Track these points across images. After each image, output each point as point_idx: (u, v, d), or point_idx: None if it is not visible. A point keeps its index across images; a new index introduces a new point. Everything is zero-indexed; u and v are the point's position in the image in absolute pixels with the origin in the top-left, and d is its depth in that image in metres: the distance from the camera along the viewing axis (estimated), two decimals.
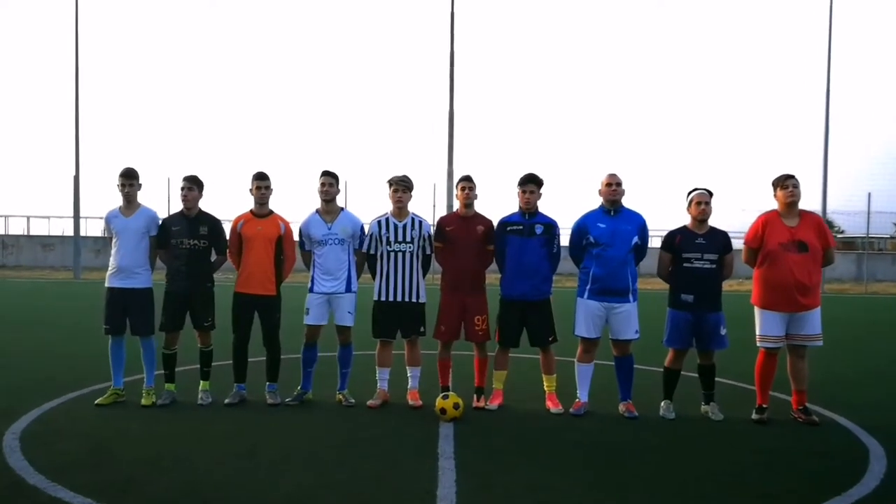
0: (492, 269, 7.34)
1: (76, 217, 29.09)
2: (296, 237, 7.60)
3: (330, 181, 7.39)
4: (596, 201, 7.28)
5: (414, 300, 7.33)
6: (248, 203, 7.49)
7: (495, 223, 7.50)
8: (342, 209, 7.53)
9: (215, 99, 50.30)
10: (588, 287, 7.15)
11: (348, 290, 7.42)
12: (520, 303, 7.21)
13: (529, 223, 7.22)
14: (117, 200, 7.40)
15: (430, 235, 7.45)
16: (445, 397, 6.88)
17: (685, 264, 7.06)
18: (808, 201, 27.61)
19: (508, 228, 7.26)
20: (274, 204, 7.56)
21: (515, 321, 7.26)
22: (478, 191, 7.48)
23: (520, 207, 7.30)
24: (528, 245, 7.18)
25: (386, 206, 7.47)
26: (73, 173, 28.82)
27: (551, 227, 7.26)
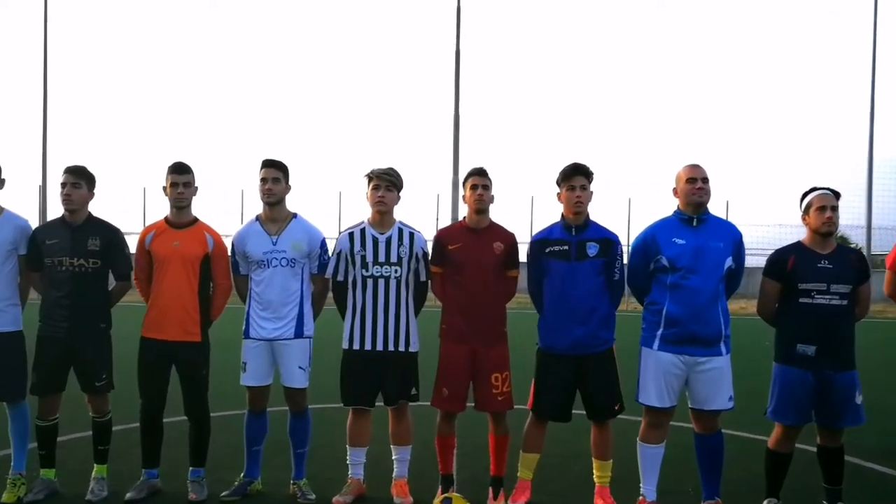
0: (519, 307, 4.99)
1: None
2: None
3: (274, 175, 5.09)
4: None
5: (402, 349, 5.01)
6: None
7: (519, 237, 5.20)
8: (293, 216, 5.23)
9: (204, 101, 47.89)
10: (659, 333, 4.83)
11: (299, 334, 5.11)
12: (569, 358, 4.90)
13: (578, 240, 4.92)
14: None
15: (425, 254, 5.14)
16: (447, 501, 4.57)
17: (803, 299, 4.75)
18: (851, 216, 25.27)
19: (548, 249, 4.96)
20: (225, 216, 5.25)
21: (563, 383, 4.95)
22: (494, 191, 5.16)
23: (563, 217, 4.99)
24: (577, 272, 4.88)
25: (363, 212, 5.18)
26: (40, 183, 26.79)
27: (611, 244, 4.96)
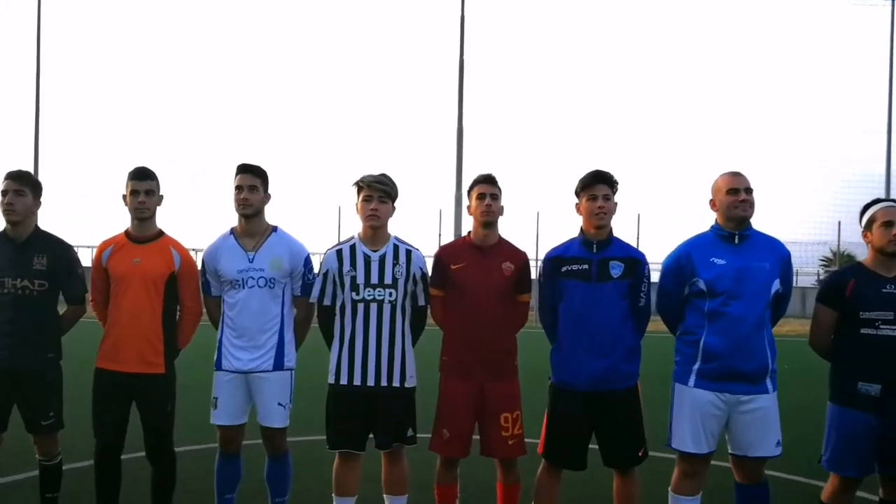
0: (531, 337, 4.31)
1: None
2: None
3: (251, 182, 4.43)
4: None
5: (396, 384, 4.32)
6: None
7: (530, 255, 4.54)
8: (273, 229, 4.56)
9: (203, 111, 47.26)
10: (696, 367, 4.15)
11: (279, 366, 4.44)
12: (586, 395, 4.21)
13: (600, 258, 4.24)
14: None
15: (424, 275, 4.47)
16: None
17: (865, 330, 4.07)
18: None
19: (564, 268, 4.28)
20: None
21: (579, 425, 4.26)
22: (503, 201, 4.50)
23: (582, 231, 4.33)
24: (598, 296, 4.20)
25: (355, 227, 4.52)
26: None
27: (637, 264, 4.28)
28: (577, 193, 4.30)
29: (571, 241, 4.38)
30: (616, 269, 4.22)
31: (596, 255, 4.24)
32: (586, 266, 4.23)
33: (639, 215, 23.40)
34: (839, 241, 24.66)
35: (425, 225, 25.27)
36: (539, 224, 23.99)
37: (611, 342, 4.18)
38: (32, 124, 26.20)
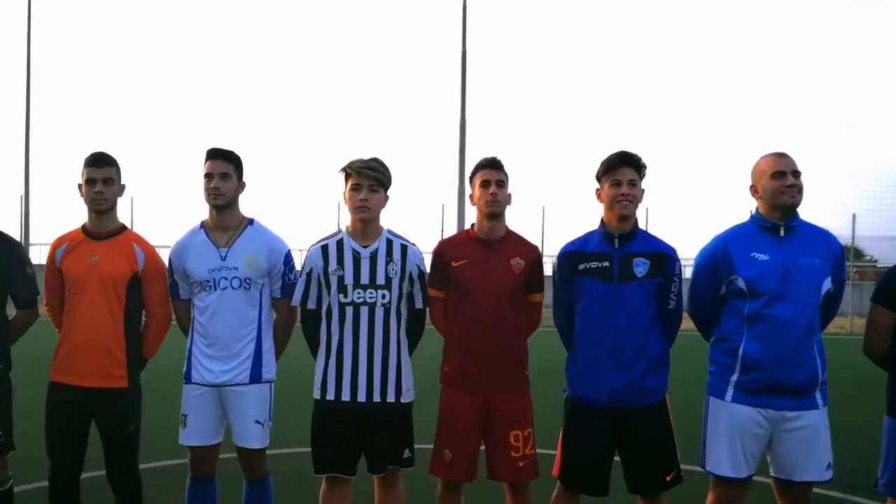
0: (543, 335, 3.78)
1: (24, 244, 25.64)
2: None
3: (222, 169, 3.89)
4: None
5: (391, 400, 3.78)
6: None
7: (543, 250, 4.01)
8: (248, 222, 4.02)
9: (201, 107, 46.56)
10: (734, 379, 3.61)
11: (256, 378, 3.91)
12: (608, 412, 3.67)
13: (623, 253, 3.70)
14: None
15: (422, 273, 3.93)
16: None
17: None
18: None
19: (583, 266, 3.74)
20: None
21: (599, 446, 3.72)
22: (510, 189, 3.96)
23: (603, 223, 3.79)
24: (621, 297, 3.66)
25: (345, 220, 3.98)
26: (22, 192, 25.53)
27: (666, 260, 3.74)
28: (599, 178, 3.76)
29: (591, 234, 3.83)
30: (641, 266, 3.68)
31: (618, 250, 3.70)
32: (607, 263, 3.69)
33: (646, 209, 22.74)
34: (853, 234, 23.76)
35: (427, 220, 24.55)
36: (545, 219, 23.38)
37: (635, 352, 3.65)
38: (23, 124, 25.76)
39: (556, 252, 3.95)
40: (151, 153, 33.65)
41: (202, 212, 4.03)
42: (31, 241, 25.88)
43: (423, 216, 24.39)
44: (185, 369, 3.95)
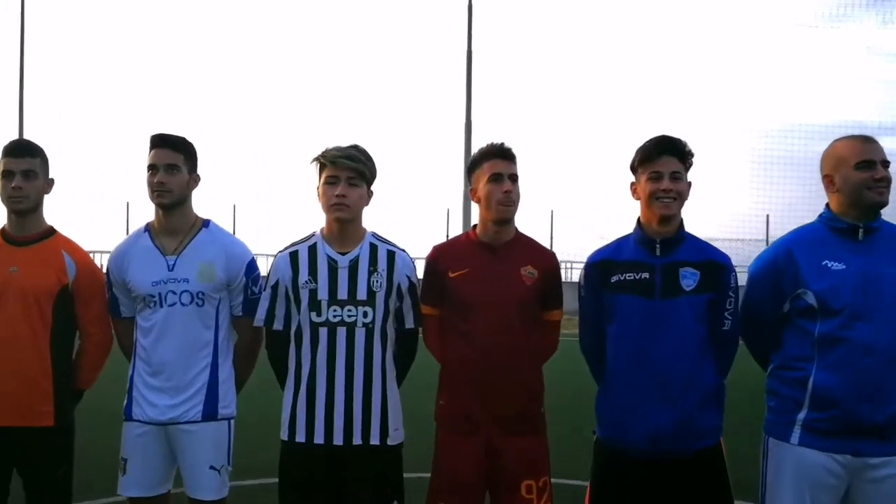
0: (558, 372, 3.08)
1: None
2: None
3: (170, 159, 3.19)
4: None
5: (375, 442, 3.07)
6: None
7: (560, 257, 3.30)
8: (203, 223, 3.33)
9: (198, 105, 45.71)
10: (801, 417, 2.90)
11: (211, 414, 3.21)
12: (648, 459, 2.97)
13: (667, 262, 3.00)
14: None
15: (413, 286, 3.22)
16: None
17: None
18: None
19: (615, 278, 3.04)
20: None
21: (638, 502, 3.00)
22: (522, 187, 3.25)
23: (641, 225, 3.09)
24: (664, 317, 2.96)
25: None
26: None
27: (719, 270, 3.04)
28: (634, 169, 3.06)
29: (625, 238, 3.14)
30: (689, 278, 2.97)
31: (660, 258, 2.99)
32: (647, 274, 2.98)
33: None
34: (767, 236, 22.50)
35: (430, 225, 23.76)
36: (553, 224, 22.52)
37: (683, 383, 2.94)
38: (16, 127, 25.20)
39: (566, 261, 3.26)
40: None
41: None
42: None
43: (427, 221, 23.62)
44: (125, 403, 3.25)
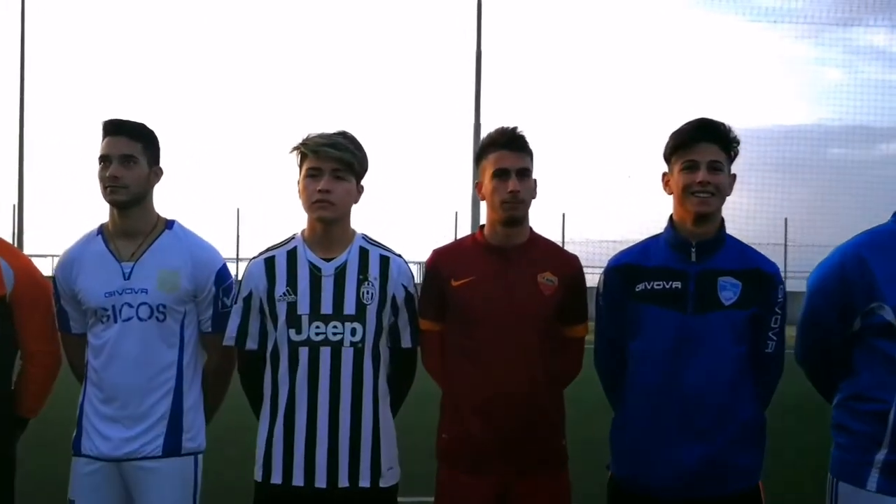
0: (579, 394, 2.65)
1: None
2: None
3: (125, 149, 2.71)
4: None
5: (364, 484, 2.59)
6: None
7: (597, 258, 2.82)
8: (166, 224, 2.86)
9: (202, 106, 45.50)
10: (880, 458, 2.40)
11: (173, 449, 2.74)
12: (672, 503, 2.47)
13: (703, 269, 2.55)
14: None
15: (410, 297, 2.75)
16: None
17: None
18: None
19: (641, 287, 2.58)
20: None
21: None
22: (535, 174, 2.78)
23: (673, 223, 2.63)
24: (698, 334, 2.53)
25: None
26: (15, 201, 24.68)
27: (764, 281, 2.59)
28: (668, 157, 2.59)
29: (654, 240, 2.68)
30: (729, 289, 2.51)
31: (696, 264, 2.53)
32: (678, 284, 2.52)
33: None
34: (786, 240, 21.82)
35: (438, 230, 23.26)
36: (565, 228, 22.02)
37: (716, 415, 2.51)
38: (17, 130, 24.93)
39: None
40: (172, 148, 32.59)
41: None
42: (26, 252, 25.07)
43: (433, 225, 23.15)
44: (73, 435, 2.78)
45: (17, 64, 25.05)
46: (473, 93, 22.96)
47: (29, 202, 24.78)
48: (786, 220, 21.27)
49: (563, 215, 22.07)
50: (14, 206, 24.72)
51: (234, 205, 22.84)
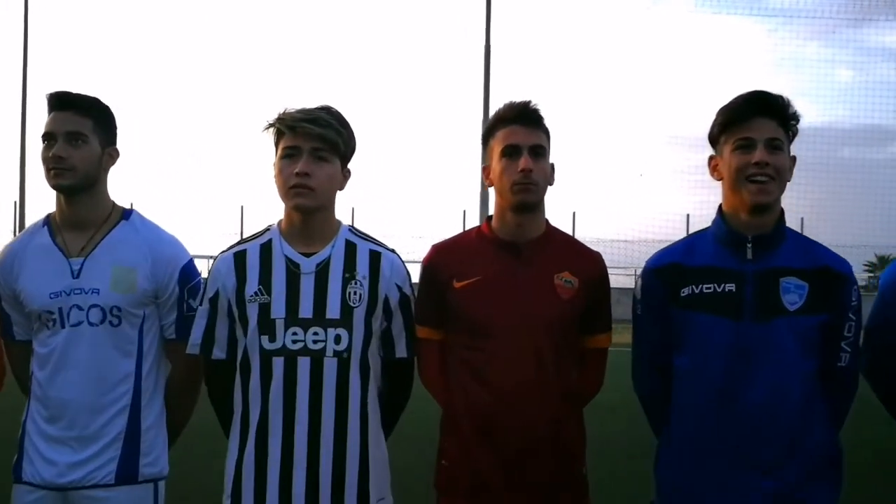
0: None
1: None
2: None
3: (72, 125, 2.33)
4: None
5: None
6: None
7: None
8: (123, 215, 2.48)
9: (207, 102, 45.38)
10: None
11: (129, 474, 2.34)
12: None
13: (761, 269, 2.13)
14: None
15: (406, 300, 2.35)
16: None
17: None
18: None
19: (686, 291, 2.17)
20: None
21: None
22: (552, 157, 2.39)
23: (723, 215, 2.22)
24: (758, 346, 2.10)
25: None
26: (17, 197, 24.35)
27: (837, 282, 2.16)
28: (716, 138, 2.19)
29: (700, 235, 2.29)
30: (794, 292, 2.10)
31: (752, 263, 2.13)
32: (732, 286, 2.12)
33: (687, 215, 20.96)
34: None
35: (445, 229, 22.99)
36: (575, 227, 21.61)
37: (783, 442, 2.10)
38: (18, 128, 24.73)
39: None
40: (156, 157, 32.38)
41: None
42: None
43: (442, 223, 22.82)
44: (14, 459, 2.40)
45: (20, 60, 24.97)
46: (482, 89, 22.61)
47: (31, 199, 24.56)
48: (801, 219, 20.86)
49: (574, 214, 21.74)
50: (15, 202, 24.56)
51: (237, 202, 22.71)
